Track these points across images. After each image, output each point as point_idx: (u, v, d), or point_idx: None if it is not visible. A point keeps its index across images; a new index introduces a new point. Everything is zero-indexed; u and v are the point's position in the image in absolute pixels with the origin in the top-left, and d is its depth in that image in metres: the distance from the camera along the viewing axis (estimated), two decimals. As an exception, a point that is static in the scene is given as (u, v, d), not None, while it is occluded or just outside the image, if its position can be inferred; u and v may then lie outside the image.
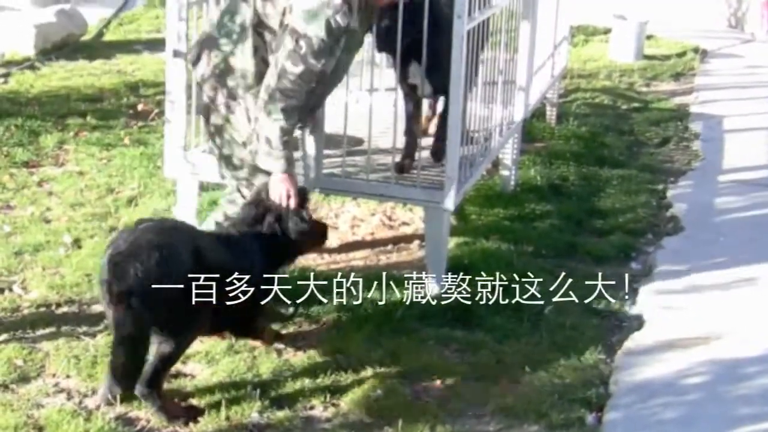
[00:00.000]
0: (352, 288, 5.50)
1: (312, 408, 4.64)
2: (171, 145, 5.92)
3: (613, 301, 5.72)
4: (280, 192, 4.89)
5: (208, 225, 5.38)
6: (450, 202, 5.53)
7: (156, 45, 10.21)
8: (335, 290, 5.47)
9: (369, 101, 6.00)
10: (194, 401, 4.62)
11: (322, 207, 6.81)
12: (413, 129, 6.06)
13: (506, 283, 5.61)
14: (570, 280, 5.80)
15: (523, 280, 5.71)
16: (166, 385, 4.56)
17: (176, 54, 5.74)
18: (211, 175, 5.91)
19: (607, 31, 12.33)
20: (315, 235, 5.09)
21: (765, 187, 7.69)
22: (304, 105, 5.00)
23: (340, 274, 5.72)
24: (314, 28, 4.80)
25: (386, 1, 5.22)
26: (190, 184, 6.03)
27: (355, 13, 4.95)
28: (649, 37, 12.29)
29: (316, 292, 5.35)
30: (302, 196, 4.98)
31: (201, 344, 5.05)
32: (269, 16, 5.01)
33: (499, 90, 6.59)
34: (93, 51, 10.92)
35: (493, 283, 5.54)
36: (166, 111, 5.92)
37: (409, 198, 5.75)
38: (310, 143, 5.72)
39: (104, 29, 12.06)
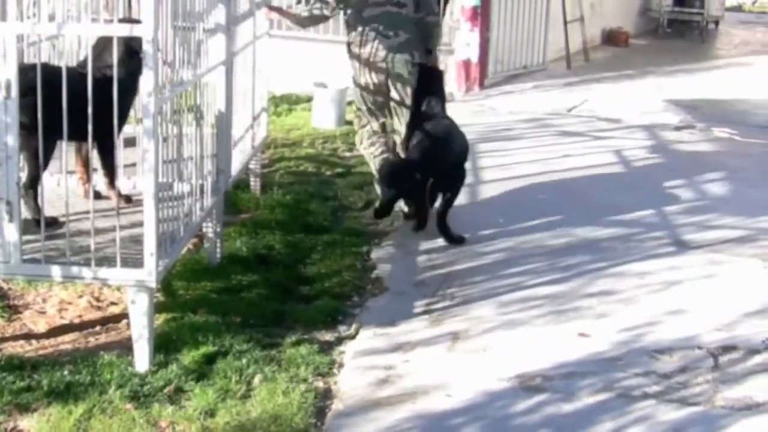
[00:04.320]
0: (59, 373, 5.49)
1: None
2: None
3: (321, 365, 5.83)
4: None
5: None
6: (152, 280, 5.53)
7: None
8: (44, 378, 5.44)
9: (66, 183, 5.96)
10: None
11: (28, 293, 6.70)
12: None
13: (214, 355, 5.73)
14: (279, 349, 5.93)
15: (234, 349, 5.86)
16: None
17: None
18: None
19: (309, 99, 12.52)
20: None
21: (465, 244, 7.98)
22: None
23: (47, 360, 5.70)
24: None
25: None
26: None
27: None
28: (350, 103, 12.51)
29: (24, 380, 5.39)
30: None
31: None
32: None
33: (198, 164, 6.64)
34: None
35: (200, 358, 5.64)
36: None
37: (110, 278, 5.70)
38: (9, 230, 5.63)
39: None
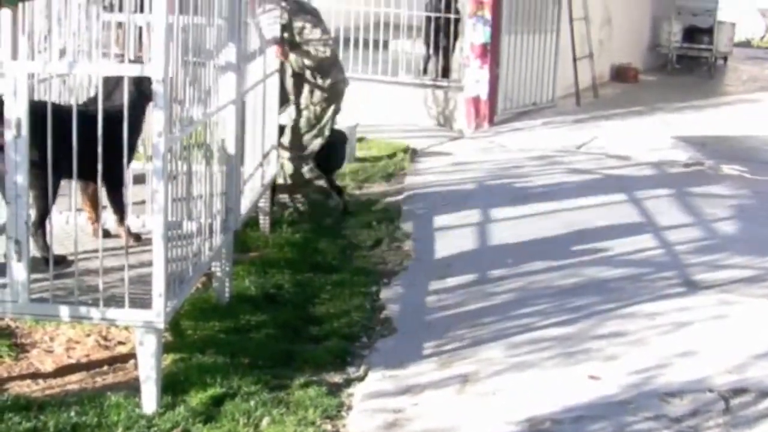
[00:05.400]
0: (66, 414, 5.45)
1: None
2: None
3: (330, 407, 5.79)
4: None
5: None
6: (160, 321, 5.50)
7: None
8: (50, 419, 5.40)
9: (75, 221, 5.95)
10: None
11: (36, 331, 6.67)
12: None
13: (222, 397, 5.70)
14: (287, 391, 5.90)
15: (242, 391, 5.81)
16: None
17: None
18: None
19: (318, 136, 12.49)
20: None
21: (474, 284, 7.96)
22: None
23: (53, 401, 5.66)
24: None
25: None
26: None
27: None
28: (360, 140, 12.57)
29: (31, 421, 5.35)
30: None
31: None
32: None
33: (207, 202, 6.62)
34: None
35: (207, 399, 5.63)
36: None
37: (118, 319, 5.67)
38: (17, 269, 5.61)
39: None
